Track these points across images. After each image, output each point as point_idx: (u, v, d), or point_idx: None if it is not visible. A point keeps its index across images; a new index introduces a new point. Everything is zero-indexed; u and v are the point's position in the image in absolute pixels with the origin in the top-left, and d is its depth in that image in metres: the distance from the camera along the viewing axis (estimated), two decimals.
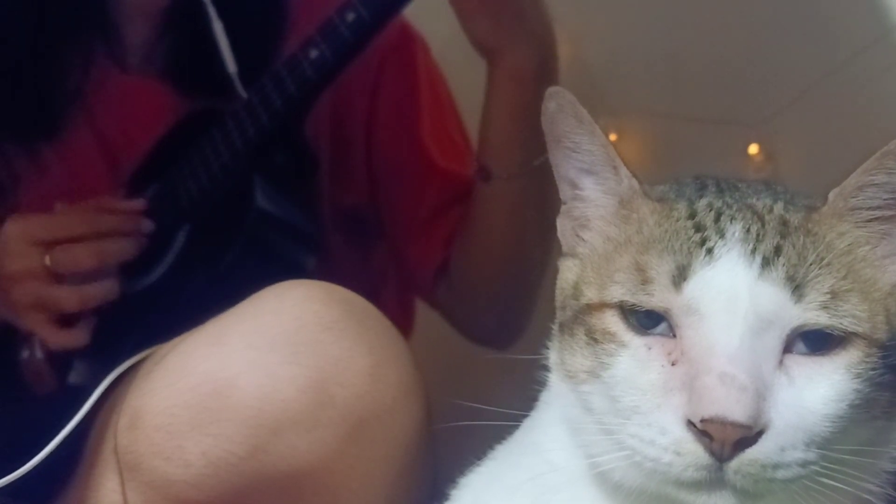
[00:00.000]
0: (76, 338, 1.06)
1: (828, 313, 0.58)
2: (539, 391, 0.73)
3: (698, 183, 0.66)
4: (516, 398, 0.71)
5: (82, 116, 1.12)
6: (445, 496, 0.76)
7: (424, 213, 1.17)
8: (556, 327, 0.69)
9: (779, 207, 0.62)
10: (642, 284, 0.60)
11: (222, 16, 1.09)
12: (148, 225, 1.09)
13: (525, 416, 0.73)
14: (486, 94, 1.08)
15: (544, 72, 1.04)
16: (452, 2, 1.03)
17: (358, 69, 1.08)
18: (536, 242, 1.10)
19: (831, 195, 0.62)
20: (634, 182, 0.65)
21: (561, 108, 0.66)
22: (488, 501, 0.72)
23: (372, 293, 0.92)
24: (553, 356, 0.69)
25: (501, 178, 1.09)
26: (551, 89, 0.67)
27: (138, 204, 1.10)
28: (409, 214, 1.19)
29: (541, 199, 1.05)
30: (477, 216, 1.14)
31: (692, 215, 0.62)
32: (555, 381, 0.69)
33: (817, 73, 1.22)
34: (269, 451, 0.80)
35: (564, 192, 0.69)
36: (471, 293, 1.18)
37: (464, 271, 1.17)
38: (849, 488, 0.58)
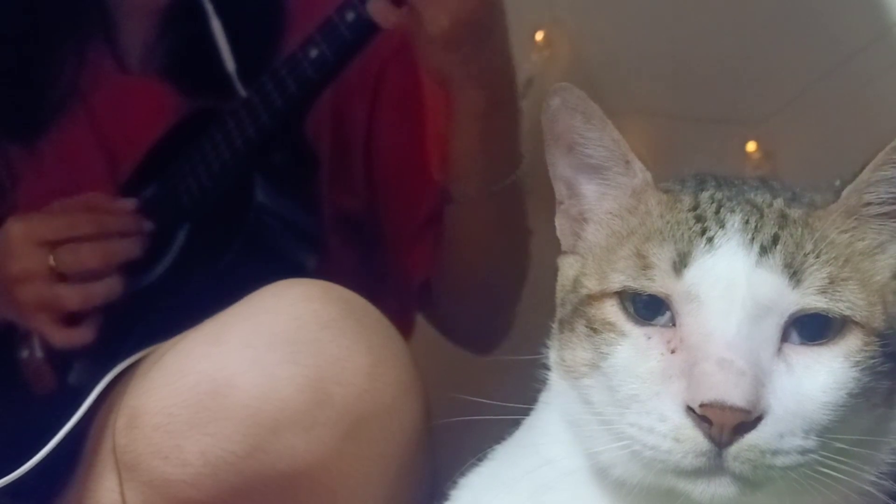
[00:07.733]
0: (82, 336, 1.06)
1: (825, 297, 0.58)
2: (539, 391, 0.73)
3: (698, 179, 0.67)
4: (516, 398, 0.71)
5: (82, 115, 1.12)
6: (445, 496, 0.76)
7: (421, 218, 1.17)
8: (555, 325, 0.69)
9: (779, 203, 0.63)
10: (643, 270, 0.61)
11: (221, 15, 1.09)
12: (147, 224, 1.09)
13: (525, 412, 0.73)
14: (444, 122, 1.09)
15: (496, 107, 1.04)
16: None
17: (359, 70, 1.08)
18: (507, 258, 1.12)
19: (845, 192, 0.62)
20: (649, 175, 0.66)
21: (565, 105, 0.65)
22: (487, 501, 0.71)
23: (372, 294, 0.92)
24: (553, 354, 0.69)
25: (460, 202, 1.10)
26: (557, 85, 0.66)
27: (129, 203, 1.10)
28: (406, 219, 1.19)
29: (506, 220, 1.07)
30: (446, 235, 1.14)
31: (694, 207, 0.63)
32: (555, 378, 0.69)
33: (815, 72, 1.22)
34: (267, 450, 0.79)
35: (560, 191, 0.69)
36: (448, 304, 1.18)
37: (442, 283, 1.18)
38: (848, 478, 0.58)
